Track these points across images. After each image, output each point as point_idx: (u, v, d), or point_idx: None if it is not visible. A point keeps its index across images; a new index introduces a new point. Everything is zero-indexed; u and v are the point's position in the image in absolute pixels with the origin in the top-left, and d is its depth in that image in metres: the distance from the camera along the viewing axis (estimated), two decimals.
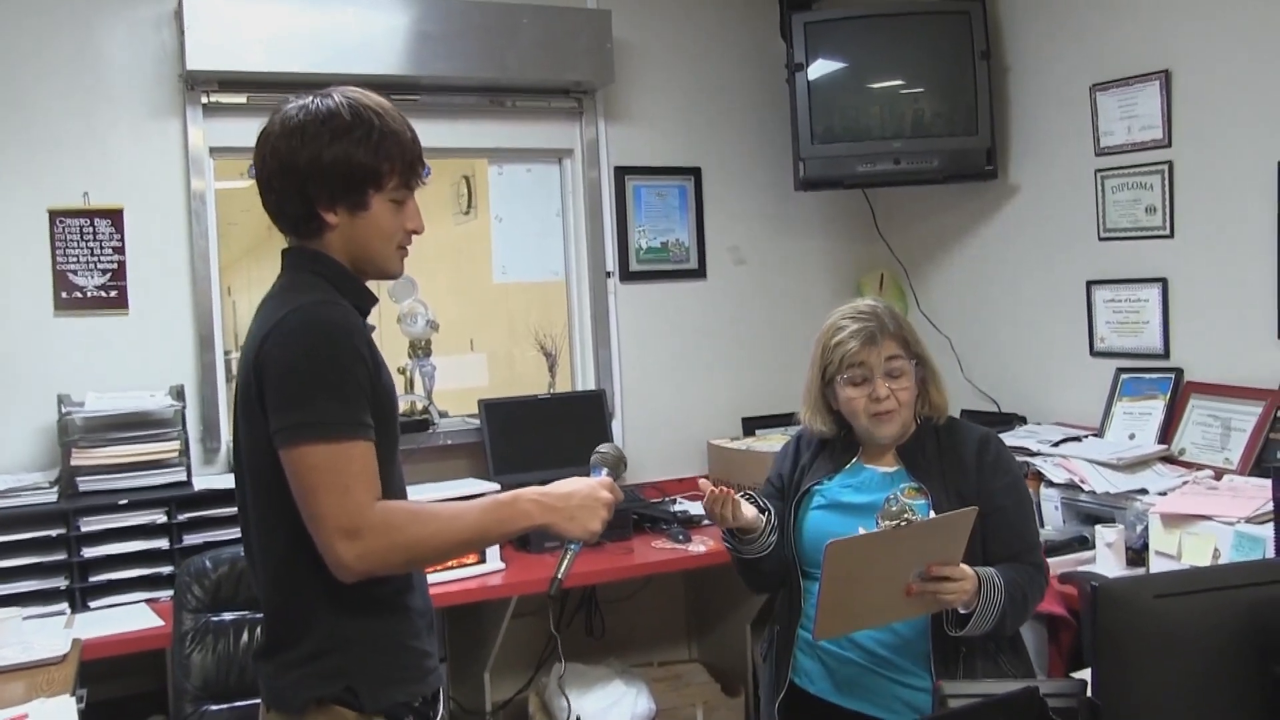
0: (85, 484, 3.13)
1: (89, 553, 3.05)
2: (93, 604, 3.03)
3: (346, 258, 1.77)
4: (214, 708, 2.59)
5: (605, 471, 1.87)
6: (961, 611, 2.06)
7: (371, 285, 1.87)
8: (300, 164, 1.69)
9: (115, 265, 3.44)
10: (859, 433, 2.30)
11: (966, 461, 2.23)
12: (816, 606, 1.99)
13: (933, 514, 2.11)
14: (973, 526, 2.01)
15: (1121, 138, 3.50)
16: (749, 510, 2.22)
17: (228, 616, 2.65)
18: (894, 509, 1.95)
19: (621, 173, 4.11)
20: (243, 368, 1.71)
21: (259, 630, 1.85)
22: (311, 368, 1.62)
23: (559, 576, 1.79)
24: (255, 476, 1.71)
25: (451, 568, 3.24)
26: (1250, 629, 1.45)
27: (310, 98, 1.74)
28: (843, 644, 2.21)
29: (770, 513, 2.28)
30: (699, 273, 4.25)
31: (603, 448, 1.91)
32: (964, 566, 2.02)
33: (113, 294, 3.43)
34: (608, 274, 4.11)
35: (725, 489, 2.18)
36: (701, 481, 2.22)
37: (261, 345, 1.66)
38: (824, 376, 2.29)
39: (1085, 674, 1.67)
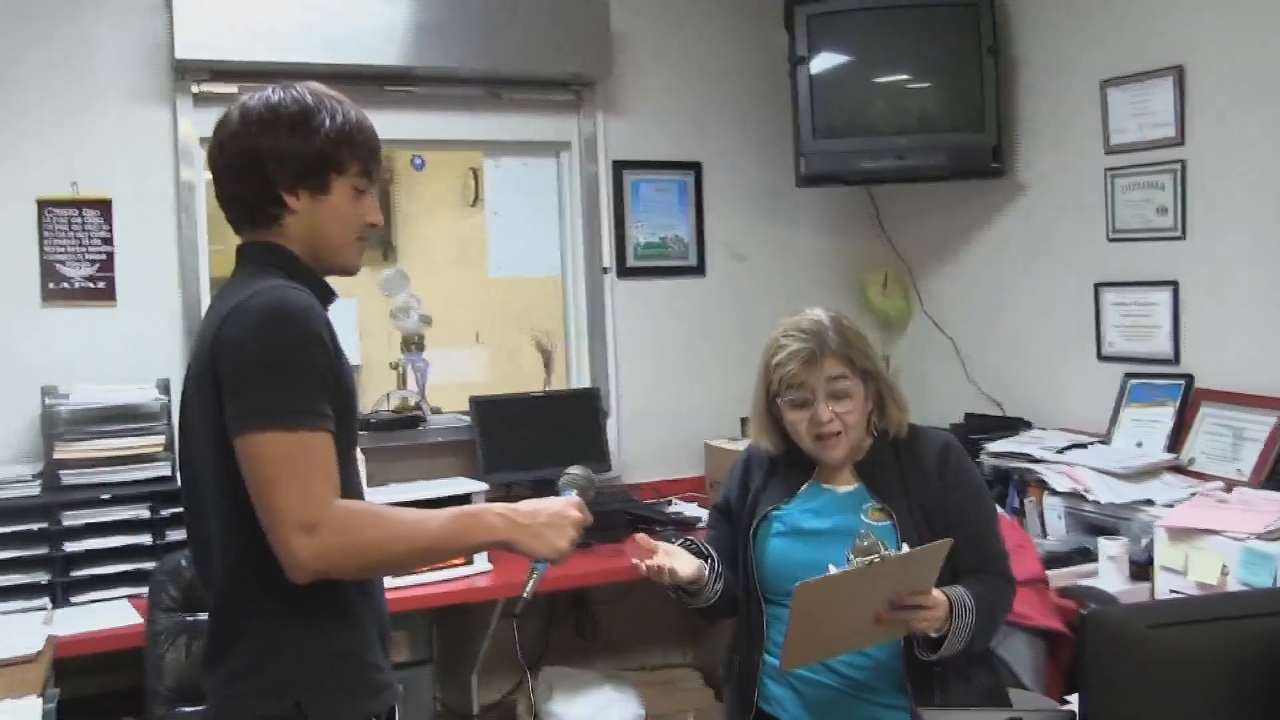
0: (68, 478, 3.08)
1: (71, 547, 3.00)
2: (75, 599, 2.99)
3: (305, 248, 1.71)
4: (187, 710, 2.52)
5: (575, 494, 1.81)
6: (934, 635, 1.98)
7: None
8: (263, 149, 1.65)
9: (104, 256, 3.38)
10: (807, 453, 2.22)
11: (928, 473, 2.15)
12: (784, 640, 1.91)
13: (904, 546, 2.02)
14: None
15: (1133, 135, 3.40)
16: (688, 567, 2.09)
17: (203, 616, 2.57)
18: (865, 544, 1.88)
19: (620, 167, 4.04)
20: (198, 353, 1.64)
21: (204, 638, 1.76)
22: (272, 352, 1.55)
23: (525, 595, 1.73)
24: (213, 470, 1.63)
25: (439, 568, 3.17)
26: (1254, 664, 1.38)
27: (270, 89, 1.70)
28: (815, 668, 2.12)
29: (714, 559, 2.18)
30: (698, 269, 4.18)
31: (572, 470, 1.86)
32: (936, 593, 1.95)
33: (100, 285, 3.38)
34: (604, 270, 4.04)
35: (650, 553, 2.07)
36: (639, 537, 2.14)
37: (220, 328, 1.59)
38: (769, 394, 2.20)
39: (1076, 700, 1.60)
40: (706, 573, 2.13)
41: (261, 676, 1.62)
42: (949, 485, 2.14)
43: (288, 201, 1.68)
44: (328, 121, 1.67)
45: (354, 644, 1.68)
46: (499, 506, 1.69)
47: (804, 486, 2.22)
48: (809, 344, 2.12)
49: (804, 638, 1.90)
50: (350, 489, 1.67)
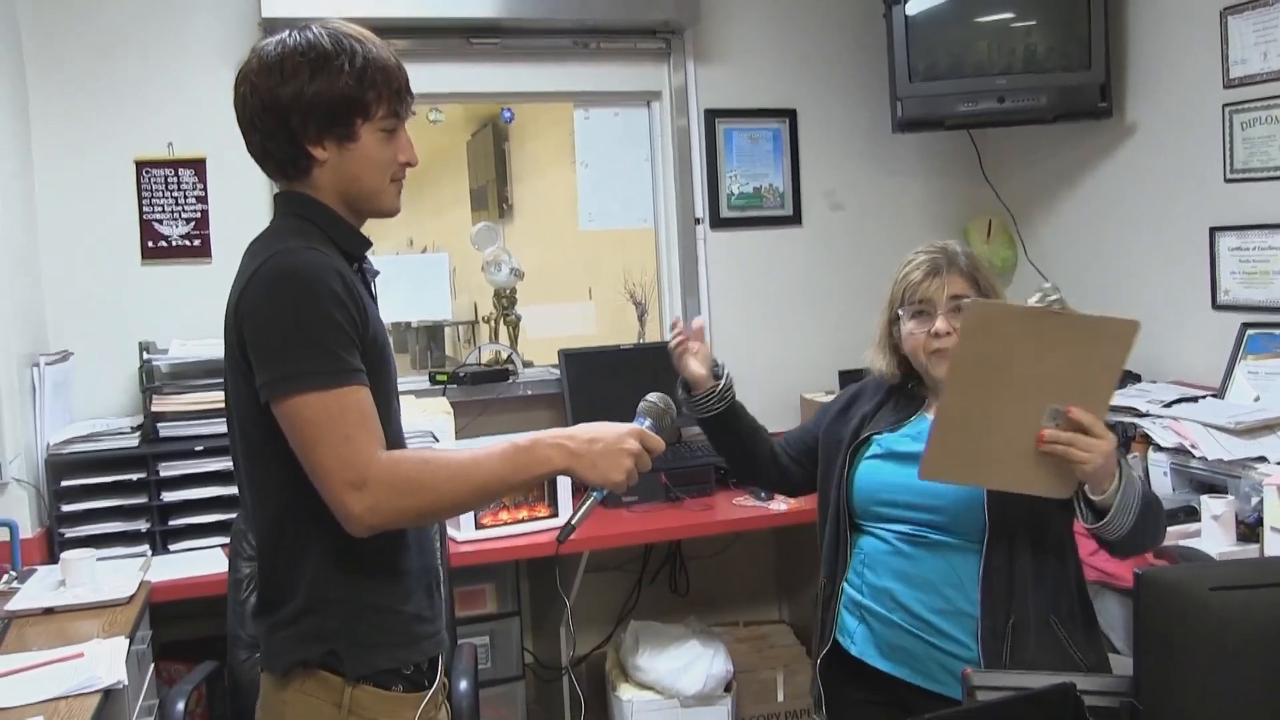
0: (166, 430, 3.18)
1: (168, 497, 3.11)
2: (172, 547, 3.10)
3: (338, 195, 1.68)
4: None
5: (648, 422, 1.73)
6: (1094, 498, 1.87)
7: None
8: (283, 100, 1.61)
9: (198, 214, 3.46)
10: (919, 373, 2.18)
11: None
12: (935, 414, 1.89)
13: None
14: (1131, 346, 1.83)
15: (1256, 66, 3.17)
16: (697, 368, 2.22)
17: None
18: (1047, 290, 1.79)
19: (712, 115, 3.95)
20: (226, 320, 1.64)
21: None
22: (292, 316, 1.54)
23: (572, 524, 1.68)
24: (244, 432, 1.65)
25: (523, 520, 3.19)
26: None
27: (287, 32, 1.65)
28: (889, 605, 2.07)
29: (725, 379, 2.26)
30: (794, 219, 4.08)
31: (650, 396, 1.77)
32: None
33: (196, 243, 3.46)
34: (697, 221, 3.97)
35: (682, 338, 2.21)
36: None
37: (241, 298, 1.59)
38: (892, 309, 2.20)
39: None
40: (711, 384, 2.23)
41: (302, 625, 1.64)
42: None
43: (314, 154, 1.65)
44: (347, 65, 1.62)
45: (394, 596, 1.68)
46: (554, 435, 1.63)
47: (912, 418, 2.18)
48: (936, 257, 2.14)
49: (955, 428, 1.85)
50: (391, 440, 1.66)
